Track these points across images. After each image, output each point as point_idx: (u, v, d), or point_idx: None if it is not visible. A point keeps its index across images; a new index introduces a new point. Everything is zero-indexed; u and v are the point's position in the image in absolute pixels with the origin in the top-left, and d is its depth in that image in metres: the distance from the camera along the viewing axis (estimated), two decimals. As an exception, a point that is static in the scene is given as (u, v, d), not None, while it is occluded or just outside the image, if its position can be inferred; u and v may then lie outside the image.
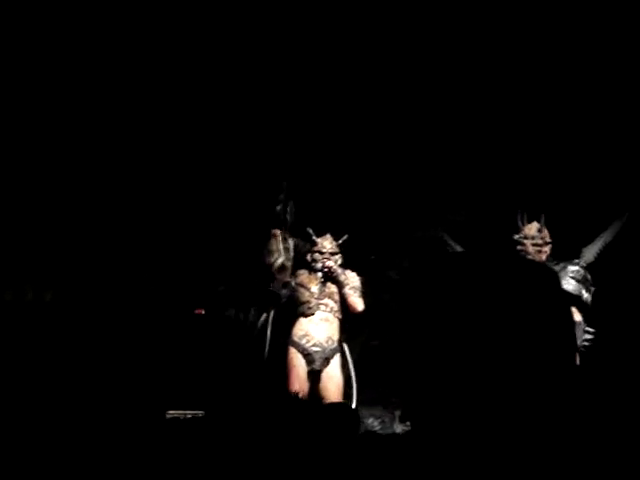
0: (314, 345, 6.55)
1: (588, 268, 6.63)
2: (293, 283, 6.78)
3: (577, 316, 6.39)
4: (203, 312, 6.98)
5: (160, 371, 6.56)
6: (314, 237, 6.93)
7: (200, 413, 5.86)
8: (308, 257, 6.93)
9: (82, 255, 7.04)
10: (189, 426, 5.76)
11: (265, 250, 6.74)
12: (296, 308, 6.73)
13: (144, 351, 6.67)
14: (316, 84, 7.19)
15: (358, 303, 6.80)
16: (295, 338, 6.60)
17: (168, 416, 6.01)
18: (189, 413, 5.98)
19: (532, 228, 6.62)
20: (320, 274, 6.84)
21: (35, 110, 7.04)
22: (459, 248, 6.82)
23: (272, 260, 6.71)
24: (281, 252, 6.72)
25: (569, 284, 6.45)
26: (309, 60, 7.11)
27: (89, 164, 7.16)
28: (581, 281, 6.50)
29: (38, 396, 5.93)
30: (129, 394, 6.36)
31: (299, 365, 6.53)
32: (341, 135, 7.34)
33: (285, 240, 6.76)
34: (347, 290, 6.80)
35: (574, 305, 6.38)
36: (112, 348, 6.62)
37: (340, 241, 6.96)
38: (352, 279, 6.84)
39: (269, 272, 6.72)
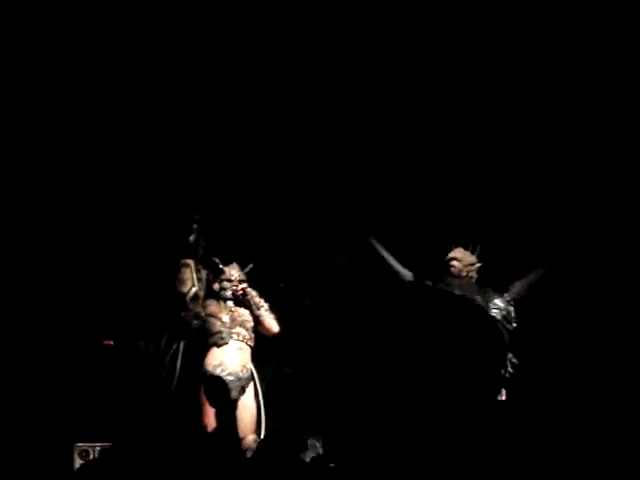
0: (229, 374, 6.54)
1: (514, 303, 6.83)
2: (203, 314, 6.79)
3: None
4: (112, 343, 6.90)
5: (68, 402, 6.58)
6: (221, 266, 6.94)
7: (108, 445, 5.93)
8: (216, 286, 6.92)
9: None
10: (98, 458, 5.88)
11: (178, 280, 6.70)
12: (208, 339, 6.75)
13: (51, 382, 6.64)
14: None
15: (274, 325, 6.91)
16: (209, 368, 6.63)
17: (77, 448, 6.07)
18: (98, 445, 6.05)
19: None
20: (230, 302, 6.88)
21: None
22: (388, 256, 6.89)
23: (186, 290, 6.70)
24: (195, 282, 6.70)
25: None
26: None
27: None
28: (500, 319, 6.60)
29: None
30: (37, 425, 6.37)
31: (214, 395, 6.58)
32: (249, 163, 7.11)
33: (198, 270, 6.74)
34: (263, 312, 6.90)
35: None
36: (19, 379, 6.59)
37: (246, 269, 6.98)
38: (264, 302, 6.93)
39: (182, 302, 6.70)
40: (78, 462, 6.21)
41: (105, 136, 6.98)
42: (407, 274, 6.86)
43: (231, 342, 6.74)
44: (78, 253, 6.98)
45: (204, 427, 6.34)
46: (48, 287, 6.92)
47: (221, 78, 6.89)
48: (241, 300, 6.89)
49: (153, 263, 6.99)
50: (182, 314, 6.73)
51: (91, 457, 6.23)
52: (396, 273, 6.87)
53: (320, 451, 6.78)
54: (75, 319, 6.96)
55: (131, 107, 6.92)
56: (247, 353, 6.80)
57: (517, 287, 6.85)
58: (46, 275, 6.92)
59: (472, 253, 6.90)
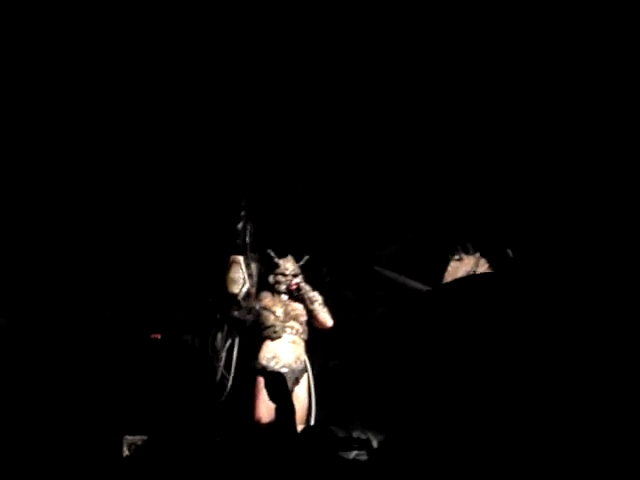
0: (283, 366, 6.65)
1: None
2: (257, 307, 6.89)
3: None
4: (159, 337, 7.00)
5: (117, 396, 6.71)
6: (276, 259, 7.06)
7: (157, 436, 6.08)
8: (271, 279, 7.03)
9: (35, 278, 6.91)
10: (147, 451, 6.05)
11: (229, 279, 6.80)
12: (261, 332, 6.86)
13: (101, 375, 6.76)
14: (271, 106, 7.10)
15: (328, 319, 7.01)
16: (263, 361, 6.74)
17: (126, 441, 6.22)
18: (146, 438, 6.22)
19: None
20: (284, 296, 6.99)
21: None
22: (398, 276, 6.97)
23: (237, 290, 6.80)
24: (245, 280, 6.80)
25: None
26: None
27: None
28: None
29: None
30: (86, 419, 6.52)
31: (268, 388, 6.68)
32: (293, 154, 7.21)
33: (248, 266, 6.82)
34: (317, 306, 7.01)
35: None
36: (67, 374, 6.71)
37: (302, 262, 7.09)
38: (318, 296, 7.05)
39: (234, 300, 6.80)
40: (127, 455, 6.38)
41: (148, 129, 7.01)
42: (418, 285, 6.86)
43: (285, 336, 6.86)
44: (127, 247, 7.13)
45: (257, 420, 6.48)
46: (97, 280, 7.06)
47: (267, 71, 6.92)
48: (295, 294, 7.01)
49: (202, 257, 7.10)
50: (235, 313, 6.84)
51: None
52: (414, 289, 6.85)
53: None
54: (124, 313, 7.09)
55: (177, 98, 6.94)
56: (301, 346, 6.91)
57: None
58: (94, 268, 7.06)
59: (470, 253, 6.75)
